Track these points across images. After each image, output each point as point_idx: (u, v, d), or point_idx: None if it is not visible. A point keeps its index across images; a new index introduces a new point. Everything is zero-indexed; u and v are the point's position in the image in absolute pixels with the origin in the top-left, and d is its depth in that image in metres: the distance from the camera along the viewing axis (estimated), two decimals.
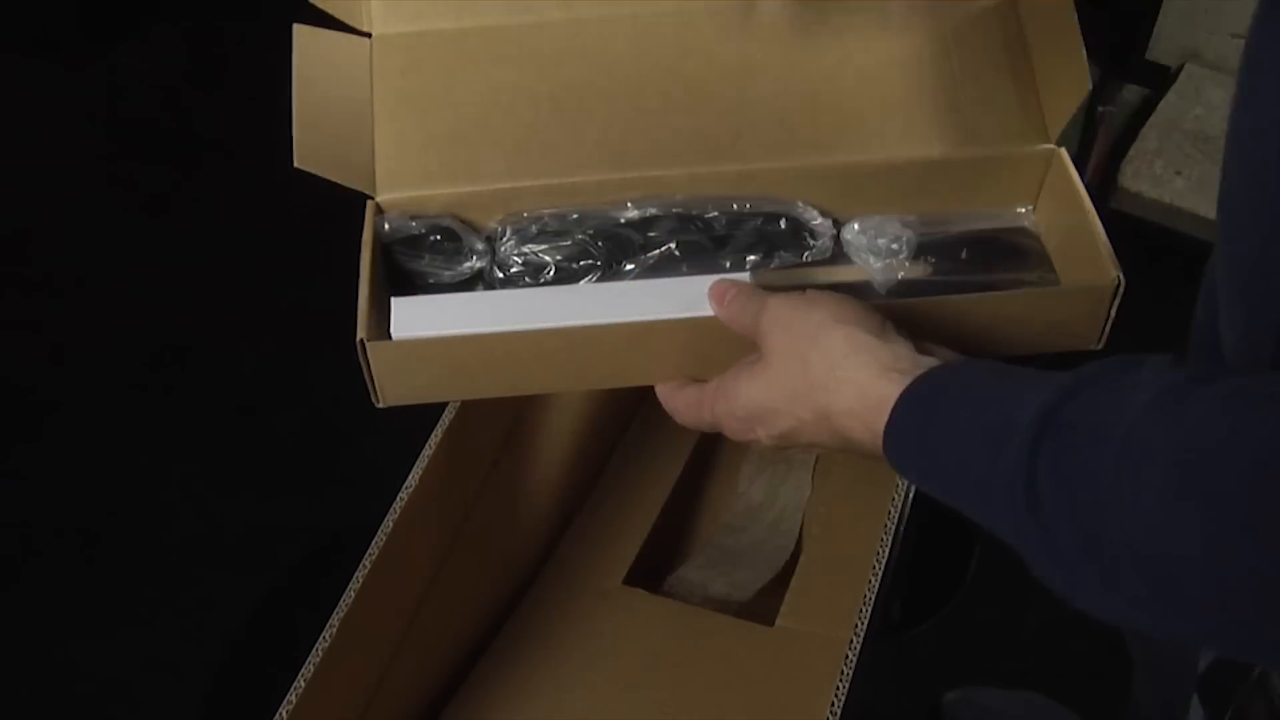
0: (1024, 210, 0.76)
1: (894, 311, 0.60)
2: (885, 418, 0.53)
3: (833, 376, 0.56)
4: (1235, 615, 0.41)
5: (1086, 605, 0.45)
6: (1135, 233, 1.55)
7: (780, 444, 0.61)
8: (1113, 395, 0.45)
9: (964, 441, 0.50)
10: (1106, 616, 0.45)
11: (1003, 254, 0.74)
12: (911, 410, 0.53)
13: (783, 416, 0.59)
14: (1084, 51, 0.68)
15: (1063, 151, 0.72)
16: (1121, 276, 0.65)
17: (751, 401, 0.60)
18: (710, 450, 0.95)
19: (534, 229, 0.72)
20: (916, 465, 0.53)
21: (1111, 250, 0.66)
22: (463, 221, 0.72)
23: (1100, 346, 0.68)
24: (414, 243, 0.71)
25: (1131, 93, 1.69)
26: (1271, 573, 0.38)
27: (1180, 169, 1.58)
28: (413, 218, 0.71)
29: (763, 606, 0.81)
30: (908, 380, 0.53)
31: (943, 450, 0.51)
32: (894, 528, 0.75)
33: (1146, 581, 0.42)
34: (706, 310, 0.64)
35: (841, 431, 0.56)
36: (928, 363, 0.55)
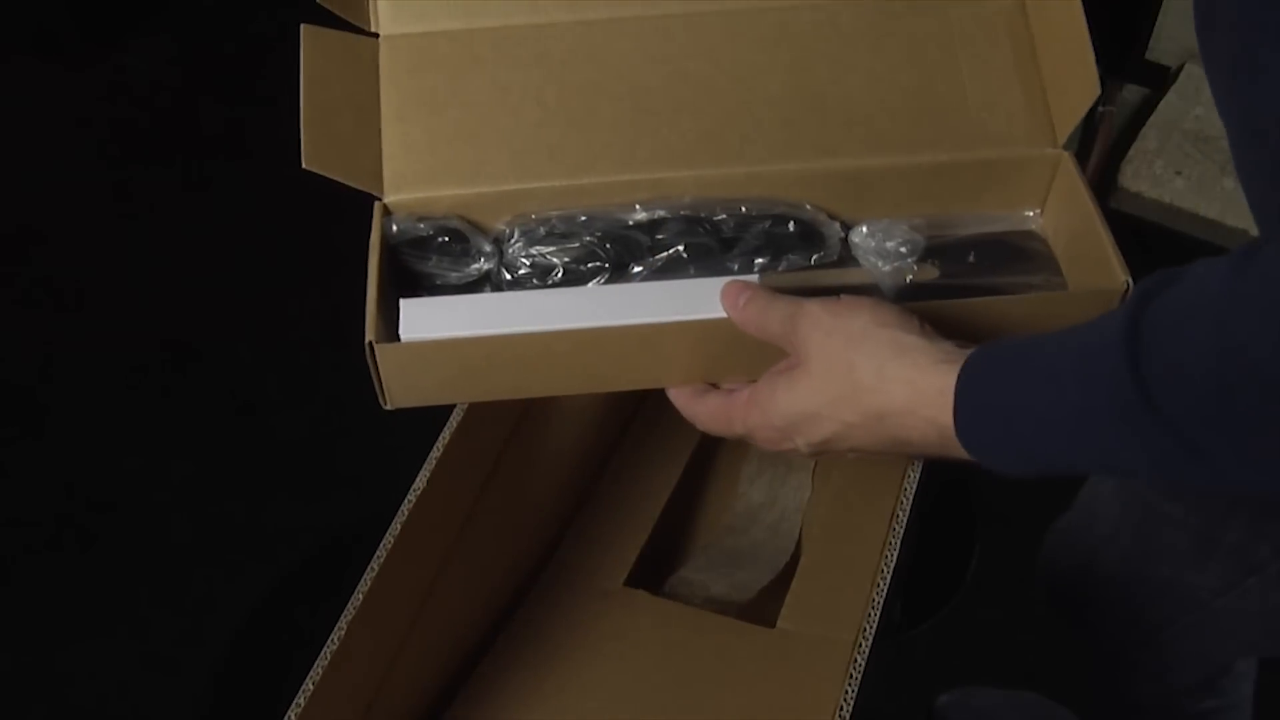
0: (1031, 214, 0.76)
1: None
2: (949, 405, 0.53)
3: (882, 378, 0.56)
4: None
5: (1230, 488, 0.44)
6: (1135, 233, 1.55)
7: (818, 451, 0.61)
8: (1182, 287, 0.44)
9: (1048, 384, 0.49)
10: (1253, 492, 0.44)
11: (1010, 257, 0.74)
12: (978, 383, 0.53)
13: (825, 422, 0.58)
14: (1092, 55, 0.68)
15: (1070, 155, 0.73)
16: (1130, 280, 0.65)
17: (791, 409, 0.60)
18: (711, 451, 0.95)
19: (542, 231, 0.72)
20: (999, 433, 0.52)
21: (1119, 254, 0.66)
22: (470, 223, 0.72)
23: None
24: (421, 244, 0.71)
25: (1131, 93, 1.69)
26: None
27: (1180, 169, 1.57)
28: (420, 219, 0.71)
29: (763, 608, 0.81)
30: (959, 366, 0.53)
31: (1026, 403, 0.50)
32: (900, 530, 0.75)
33: None
34: (715, 312, 0.64)
35: (894, 431, 0.56)
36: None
